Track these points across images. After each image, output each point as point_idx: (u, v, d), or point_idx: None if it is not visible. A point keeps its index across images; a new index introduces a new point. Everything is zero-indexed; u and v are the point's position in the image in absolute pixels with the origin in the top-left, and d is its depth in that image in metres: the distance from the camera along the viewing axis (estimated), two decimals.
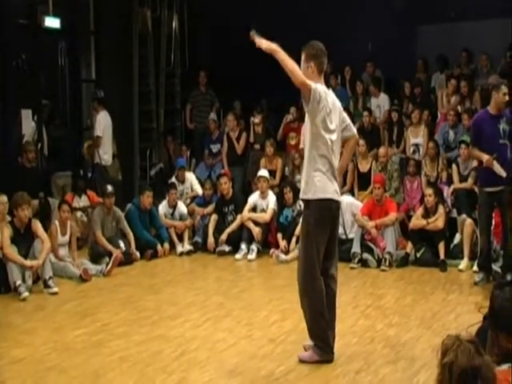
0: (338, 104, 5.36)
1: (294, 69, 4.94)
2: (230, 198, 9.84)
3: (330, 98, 5.20)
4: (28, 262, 7.48)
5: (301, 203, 9.32)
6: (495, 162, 7.22)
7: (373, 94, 11.53)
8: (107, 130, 10.76)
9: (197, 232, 10.01)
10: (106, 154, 10.76)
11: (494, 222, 7.83)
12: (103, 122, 10.66)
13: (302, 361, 5.29)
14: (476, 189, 8.28)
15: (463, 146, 9.15)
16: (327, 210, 5.21)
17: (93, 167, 10.93)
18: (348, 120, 5.50)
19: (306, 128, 5.32)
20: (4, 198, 7.77)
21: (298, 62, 5.16)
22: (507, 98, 7.34)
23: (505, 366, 3.07)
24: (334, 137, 5.19)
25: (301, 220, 5.55)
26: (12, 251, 7.46)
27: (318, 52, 5.21)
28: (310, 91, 4.99)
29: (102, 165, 10.73)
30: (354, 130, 5.56)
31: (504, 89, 7.35)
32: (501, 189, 7.31)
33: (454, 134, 10.13)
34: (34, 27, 10.31)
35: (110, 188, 9.13)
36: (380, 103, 11.45)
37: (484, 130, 7.46)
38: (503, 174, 7.20)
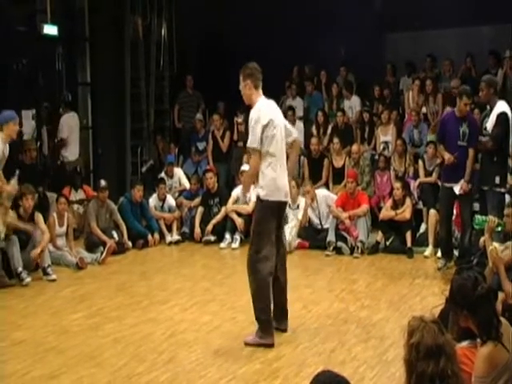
0: (280, 115, 5.49)
1: (249, 176, 5.53)
2: (215, 191, 9.80)
3: (270, 113, 5.30)
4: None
5: None
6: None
7: (345, 96, 11.54)
8: (73, 130, 10.65)
9: (184, 223, 9.97)
10: (70, 153, 10.64)
11: (455, 212, 7.88)
12: (68, 124, 10.55)
13: (246, 343, 5.25)
14: (439, 183, 8.32)
15: (432, 145, 9.15)
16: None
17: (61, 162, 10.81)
18: (289, 125, 5.62)
19: None
20: None
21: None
22: (467, 108, 7.31)
23: (464, 343, 3.11)
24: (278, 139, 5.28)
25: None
26: None
27: (253, 71, 5.41)
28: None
29: (64, 161, 10.65)
30: (295, 134, 5.65)
31: (465, 99, 7.26)
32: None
33: (418, 132, 10.17)
34: (33, 34, 10.23)
35: (103, 183, 9.10)
36: (352, 104, 11.45)
37: (447, 130, 7.47)
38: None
